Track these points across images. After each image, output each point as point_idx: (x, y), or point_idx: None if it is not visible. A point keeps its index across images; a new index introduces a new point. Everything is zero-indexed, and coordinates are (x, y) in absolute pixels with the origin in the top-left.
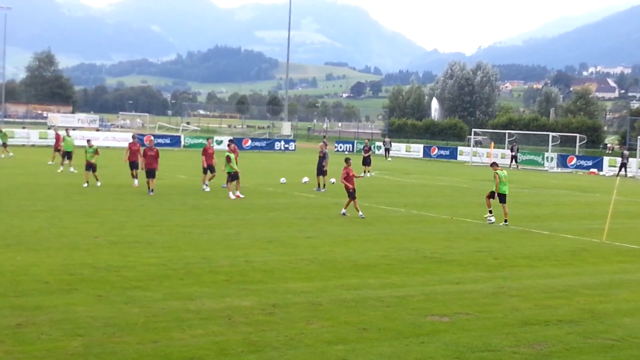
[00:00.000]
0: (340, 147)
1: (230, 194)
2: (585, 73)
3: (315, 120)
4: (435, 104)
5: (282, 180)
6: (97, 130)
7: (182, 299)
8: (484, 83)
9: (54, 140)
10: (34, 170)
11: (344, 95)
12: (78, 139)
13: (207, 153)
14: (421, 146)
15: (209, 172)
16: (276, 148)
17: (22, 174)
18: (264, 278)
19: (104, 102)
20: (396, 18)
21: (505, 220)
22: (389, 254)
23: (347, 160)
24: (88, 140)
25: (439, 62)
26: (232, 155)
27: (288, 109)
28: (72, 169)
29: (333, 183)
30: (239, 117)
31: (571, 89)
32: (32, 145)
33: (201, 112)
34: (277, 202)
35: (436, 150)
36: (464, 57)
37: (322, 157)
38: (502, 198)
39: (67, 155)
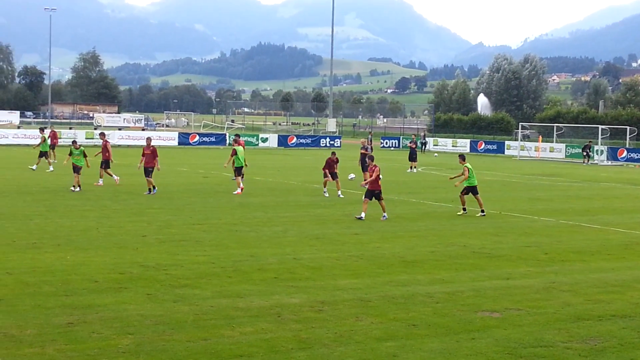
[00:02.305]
0: (386, 143)
1: (239, 190)
2: (634, 64)
3: (360, 117)
4: (481, 98)
5: (351, 176)
6: (143, 129)
7: (231, 296)
8: (531, 76)
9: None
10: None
11: (389, 90)
12: (124, 138)
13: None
14: (468, 141)
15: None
16: (321, 145)
17: (70, 175)
18: (312, 275)
19: (148, 102)
20: (440, 12)
21: (482, 211)
22: (438, 249)
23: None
24: (73, 142)
25: (484, 55)
26: (241, 149)
27: (333, 105)
28: (35, 167)
29: (352, 179)
30: (284, 114)
31: (620, 80)
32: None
33: (246, 110)
34: (324, 199)
35: (483, 144)
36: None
37: (365, 153)
38: (474, 190)
39: (44, 154)
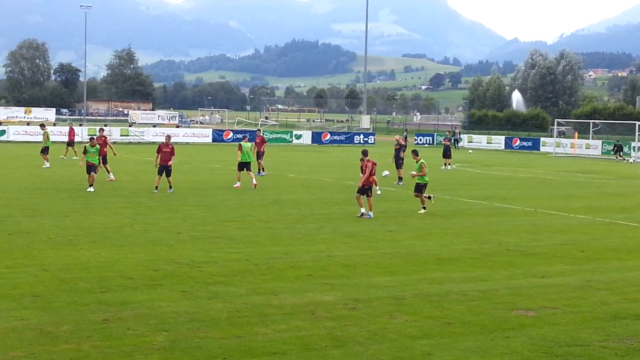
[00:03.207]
0: (420, 140)
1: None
2: None
3: (394, 113)
4: (516, 95)
5: (385, 173)
6: (177, 126)
7: (265, 294)
8: (567, 72)
9: (67, 135)
10: (116, 168)
11: (423, 87)
12: (159, 135)
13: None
14: (502, 137)
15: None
16: (355, 142)
17: (104, 172)
18: (346, 273)
19: (183, 99)
20: (475, 7)
21: (424, 207)
22: (472, 247)
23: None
24: (91, 139)
25: (519, 51)
26: (247, 145)
27: (367, 102)
28: (47, 164)
29: (386, 176)
30: (318, 111)
31: None
32: (114, 143)
33: (279, 106)
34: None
35: (518, 141)
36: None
37: (399, 149)
38: (424, 188)
39: (45, 150)
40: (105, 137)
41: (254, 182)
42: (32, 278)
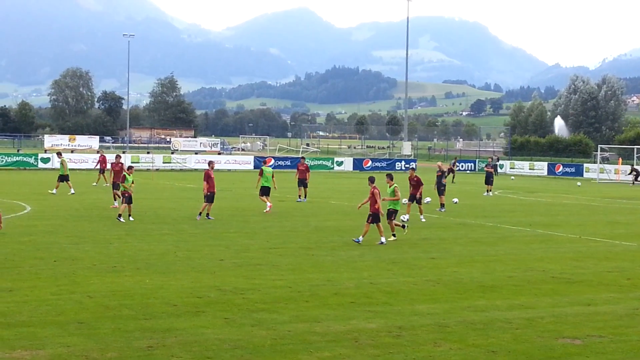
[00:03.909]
0: (462, 166)
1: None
2: None
3: (435, 140)
4: (558, 120)
5: (427, 199)
6: (219, 153)
7: (308, 321)
8: (609, 97)
9: (99, 162)
10: (159, 195)
11: (464, 113)
12: (201, 162)
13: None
14: (545, 164)
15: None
16: (397, 168)
17: (147, 199)
18: (389, 300)
19: (224, 126)
20: (516, 33)
21: (394, 235)
22: (516, 274)
23: (371, 179)
24: (130, 167)
25: (561, 76)
26: (268, 169)
27: (408, 128)
28: (54, 191)
29: (456, 203)
30: (359, 137)
31: None
32: (157, 170)
33: (320, 133)
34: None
35: (561, 167)
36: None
37: (441, 176)
38: (395, 214)
39: (63, 178)
40: (122, 164)
41: (268, 207)
42: (77, 305)
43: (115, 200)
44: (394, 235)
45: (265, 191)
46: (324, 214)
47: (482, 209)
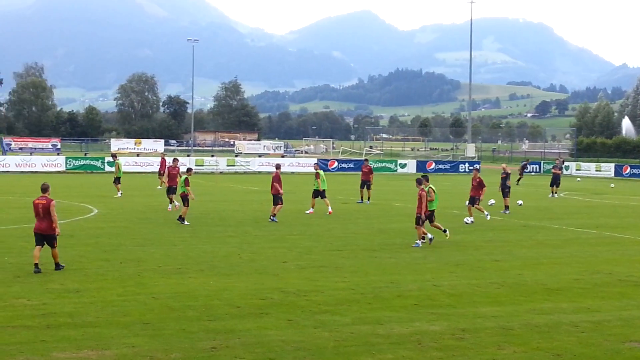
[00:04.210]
0: (527, 168)
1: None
2: None
3: (499, 141)
4: (626, 121)
5: (491, 201)
6: (283, 156)
7: (370, 323)
8: None
9: (159, 165)
10: (223, 198)
11: (529, 114)
12: (264, 165)
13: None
14: (612, 165)
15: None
16: (460, 170)
17: (211, 201)
18: (452, 302)
19: (287, 129)
20: (582, 33)
21: (423, 238)
22: (582, 277)
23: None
24: (188, 170)
25: (628, 77)
26: (322, 173)
27: (471, 130)
28: (119, 194)
29: (520, 205)
30: (422, 139)
31: None
32: (221, 173)
33: (384, 135)
34: (463, 225)
35: (628, 169)
36: None
37: (505, 177)
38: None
39: (117, 180)
40: (178, 168)
41: (330, 209)
42: (142, 306)
43: (170, 203)
44: (423, 238)
45: (320, 193)
46: (387, 216)
47: (547, 211)
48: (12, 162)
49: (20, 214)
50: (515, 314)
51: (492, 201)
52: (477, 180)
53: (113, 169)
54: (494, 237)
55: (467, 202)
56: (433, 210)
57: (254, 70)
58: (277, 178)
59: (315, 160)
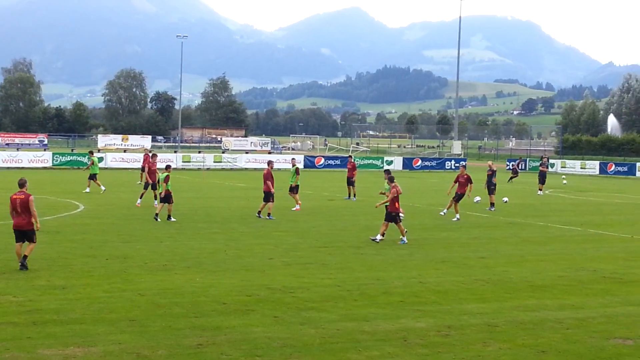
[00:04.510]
0: (512, 166)
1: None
2: None
3: (485, 139)
4: (611, 119)
5: (477, 199)
6: (269, 152)
7: (357, 320)
8: None
9: (142, 160)
10: (209, 194)
11: (515, 112)
12: (251, 161)
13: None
14: (597, 163)
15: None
16: (446, 167)
17: (198, 198)
18: (438, 299)
19: (275, 125)
20: (569, 31)
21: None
22: (567, 274)
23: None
24: (167, 167)
25: (614, 75)
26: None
27: (458, 127)
28: (88, 189)
29: (506, 202)
30: (409, 136)
31: None
32: (208, 169)
33: (370, 132)
34: (449, 222)
35: (613, 166)
36: None
37: (491, 175)
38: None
39: (92, 176)
40: (156, 164)
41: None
42: (128, 302)
43: (155, 199)
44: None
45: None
46: (374, 212)
47: (532, 208)
48: None
49: (6, 210)
50: (501, 310)
51: (478, 198)
52: (465, 176)
53: (112, 165)
54: (480, 234)
55: (453, 198)
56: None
57: (243, 67)
58: (269, 175)
59: (293, 156)
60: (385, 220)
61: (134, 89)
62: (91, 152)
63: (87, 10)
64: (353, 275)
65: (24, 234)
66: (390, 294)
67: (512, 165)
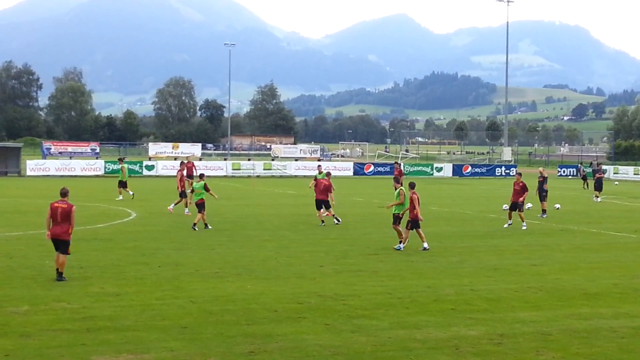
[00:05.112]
0: (563, 172)
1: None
2: None
3: (536, 145)
4: None
5: (528, 205)
6: (319, 160)
7: (408, 327)
8: None
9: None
10: (259, 202)
11: (565, 118)
12: (301, 169)
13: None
14: None
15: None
16: (497, 174)
17: (248, 205)
18: (490, 307)
19: (324, 132)
20: (619, 36)
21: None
22: (621, 282)
23: (412, 184)
24: (201, 175)
25: None
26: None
27: (508, 133)
28: (121, 197)
29: (557, 209)
30: (458, 143)
31: None
32: (257, 176)
33: (419, 139)
34: (500, 229)
35: None
36: None
37: (542, 181)
38: (399, 219)
39: (121, 184)
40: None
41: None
42: (180, 310)
43: (186, 207)
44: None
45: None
46: (424, 220)
47: (585, 215)
48: (51, 166)
49: None
50: (554, 319)
51: (530, 205)
52: (520, 184)
53: (162, 173)
54: (532, 242)
55: (507, 206)
56: (401, 214)
57: (290, 74)
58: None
59: (319, 163)
60: (406, 227)
61: (183, 97)
62: (121, 160)
63: (136, 19)
64: (404, 282)
65: (60, 243)
66: (442, 301)
67: (592, 169)
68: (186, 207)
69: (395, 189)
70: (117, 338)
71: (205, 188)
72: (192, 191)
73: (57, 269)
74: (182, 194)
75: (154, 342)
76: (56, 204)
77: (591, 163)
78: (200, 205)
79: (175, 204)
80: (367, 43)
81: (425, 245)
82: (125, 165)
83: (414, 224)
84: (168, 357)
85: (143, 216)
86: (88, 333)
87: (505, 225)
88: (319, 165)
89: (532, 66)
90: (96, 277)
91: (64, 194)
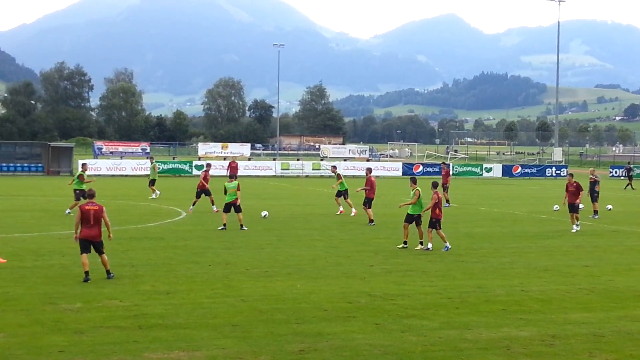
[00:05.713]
0: (616, 172)
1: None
2: None
3: (587, 145)
4: None
5: (609, 207)
6: (368, 160)
7: (458, 328)
8: None
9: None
10: (308, 201)
11: (617, 118)
12: (349, 169)
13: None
14: None
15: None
16: (547, 174)
17: (297, 205)
18: (541, 308)
19: (372, 133)
20: None
21: (421, 243)
22: None
23: (435, 184)
24: (231, 176)
25: None
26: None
27: (558, 134)
28: (155, 194)
29: (610, 210)
30: (507, 143)
31: None
32: (306, 176)
33: (468, 139)
34: (551, 230)
35: None
36: None
37: (594, 183)
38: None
39: (152, 182)
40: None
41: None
42: (230, 308)
43: (213, 204)
44: (420, 242)
45: (343, 194)
46: (473, 220)
47: (637, 216)
48: (103, 166)
49: (111, 217)
50: (607, 320)
51: (582, 205)
52: (574, 185)
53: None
54: (583, 243)
55: (557, 207)
56: (419, 215)
57: (339, 75)
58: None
59: (334, 164)
60: (428, 227)
61: (233, 98)
62: (151, 158)
63: (185, 20)
64: (454, 282)
65: (94, 245)
66: (492, 302)
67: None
68: (213, 204)
69: (412, 189)
70: (168, 335)
71: (238, 188)
72: (225, 192)
73: (107, 270)
74: (207, 192)
75: (205, 339)
76: (87, 207)
77: (628, 163)
78: (237, 207)
79: (213, 204)
80: (416, 43)
81: (448, 244)
82: (156, 164)
83: (435, 223)
84: (219, 354)
85: (193, 215)
86: (140, 330)
87: (573, 230)
88: (333, 166)
89: (583, 66)
90: (147, 275)
91: (91, 195)
